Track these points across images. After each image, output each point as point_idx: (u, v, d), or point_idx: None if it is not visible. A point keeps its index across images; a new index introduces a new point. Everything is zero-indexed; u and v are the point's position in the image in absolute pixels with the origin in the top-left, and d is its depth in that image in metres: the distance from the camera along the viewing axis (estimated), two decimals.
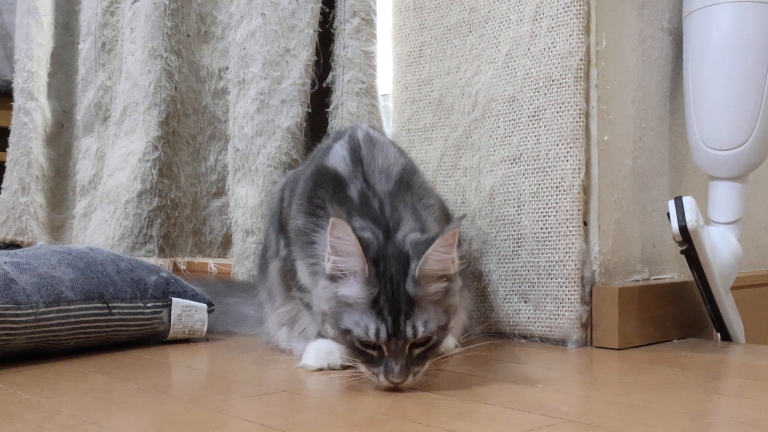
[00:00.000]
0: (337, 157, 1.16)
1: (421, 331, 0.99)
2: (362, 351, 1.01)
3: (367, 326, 0.99)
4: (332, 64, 1.67)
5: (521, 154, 1.42)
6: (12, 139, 2.26)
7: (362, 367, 1.02)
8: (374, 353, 1.00)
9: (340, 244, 0.99)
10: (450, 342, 1.26)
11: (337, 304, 1.01)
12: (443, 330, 1.03)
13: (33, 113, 2.23)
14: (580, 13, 1.36)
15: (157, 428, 0.86)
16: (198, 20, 1.92)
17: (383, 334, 0.99)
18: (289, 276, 1.23)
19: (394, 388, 1.00)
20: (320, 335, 1.19)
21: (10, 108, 2.28)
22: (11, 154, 2.26)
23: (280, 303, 1.29)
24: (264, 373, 1.18)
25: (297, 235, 1.15)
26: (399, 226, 1.07)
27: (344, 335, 1.01)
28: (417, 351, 1.01)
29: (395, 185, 1.13)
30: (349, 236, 0.98)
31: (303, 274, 1.16)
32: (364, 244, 0.99)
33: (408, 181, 1.15)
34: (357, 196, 1.10)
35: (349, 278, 1.01)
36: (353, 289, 1.00)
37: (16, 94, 2.26)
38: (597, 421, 0.86)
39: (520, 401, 0.96)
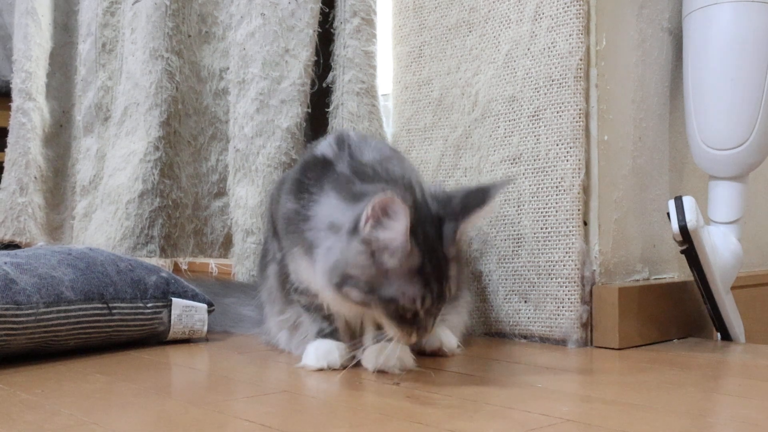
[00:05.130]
0: (324, 146, 1.17)
1: (454, 290, 1.03)
2: (401, 315, 1.01)
3: (413, 296, 0.99)
4: (332, 64, 1.67)
5: (521, 154, 1.42)
6: (10, 139, 2.26)
7: (393, 329, 1.02)
8: (411, 315, 1.01)
9: (381, 218, 0.97)
10: (452, 342, 1.26)
11: (376, 272, 1.00)
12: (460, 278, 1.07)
13: (31, 113, 2.23)
14: (580, 13, 1.36)
15: (157, 428, 0.86)
16: (199, 21, 1.91)
17: (429, 302, 1.00)
18: (285, 278, 1.22)
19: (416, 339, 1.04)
20: (319, 335, 1.19)
21: (10, 108, 2.28)
22: (9, 155, 2.25)
23: (280, 309, 1.28)
24: (264, 373, 1.18)
25: (287, 222, 1.13)
26: (411, 184, 1.05)
27: (386, 303, 1.00)
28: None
29: (385, 157, 1.14)
30: (399, 215, 0.95)
31: (295, 262, 1.13)
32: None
33: (399, 157, 1.17)
34: (347, 168, 1.10)
35: (389, 250, 0.99)
36: (395, 260, 0.99)
37: (14, 95, 2.25)
38: (597, 421, 0.86)
39: (520, 401, 0.96)
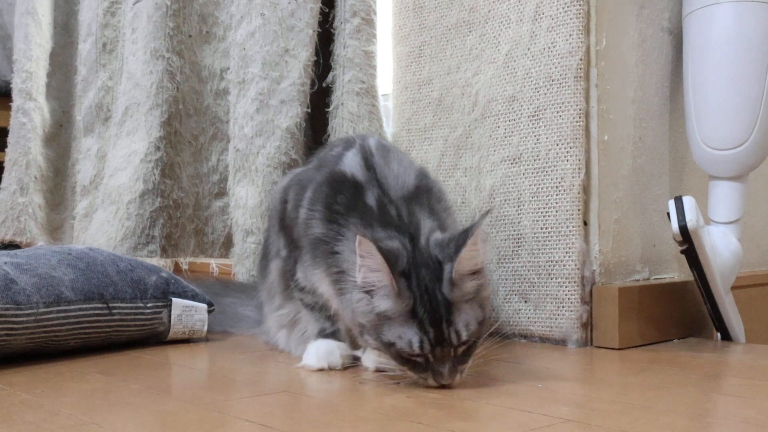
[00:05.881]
0: (353, 163, 1.15)
1: (464, 335, 1.01)
2: (408, 360, 1.01)
3: (410, 340, 0.99)
4: (332, 64, 1.67)
5: (521, 154, 1.42)
6: (11, 139, 2.26)
7: (409, 373, 1.03)
8: (420, 360, 1.01)
9: (366, 261, 0.99)
10: None
11: (376, 318, 1.01)
12: (482, 325, 1.04)
13: (32, 113, 2.23)
14: (580, 13, 1.36)
15: (157, 428, 0.86)
16: (199, 21, 1.91)
17: (427, 345, 0.99)
18: (288, 276, 1.23)
19: (442, 387, 1.02)
20: (320, 335, 1.19)
21: (10, 108, 2.28)
22: (10, 155, 2.25)
23: (279, 304, 1.29)
24: (264, 373, 1.18)
25: (315, 244, 1.13)
26: (419, 231, 1.07)
27: (388, 347, 1.01)
28: (461, 350, 1.02)
29: (411, 191, 1.13)
30: (374, 254, 0.98)
31: (317, 280, 1.15)
32: (391, 259, 0.99)
33: (426, 186, 1.16)
34: (375, 204, 1.10)
35: (380, 292, 1.00)
36: (387, 303, 1.00)
37: (14, 95, 2.25)
38: (597, 421, 0.86)
39: (520, 401, 0.96)
